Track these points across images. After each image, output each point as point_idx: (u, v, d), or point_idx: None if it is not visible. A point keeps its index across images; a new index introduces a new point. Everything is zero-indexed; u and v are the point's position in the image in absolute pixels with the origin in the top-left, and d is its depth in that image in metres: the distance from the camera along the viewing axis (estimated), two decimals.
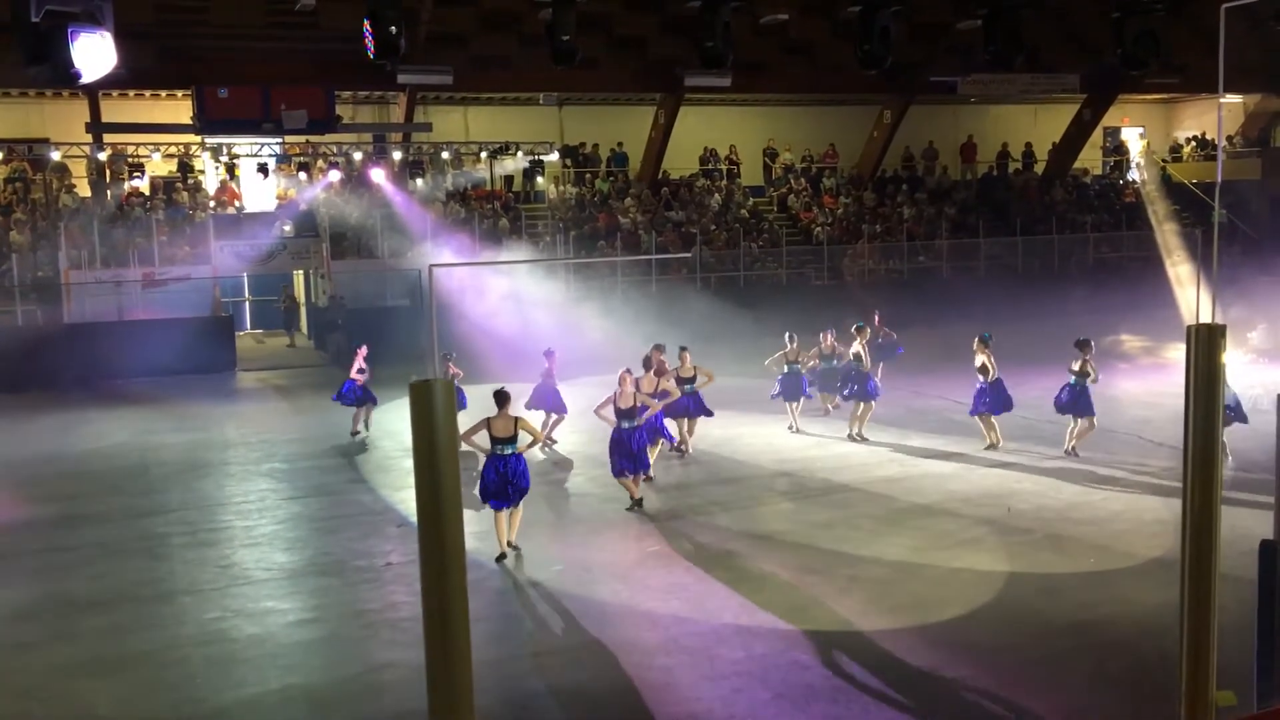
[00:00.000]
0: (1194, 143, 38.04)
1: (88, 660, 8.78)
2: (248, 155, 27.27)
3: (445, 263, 22.64)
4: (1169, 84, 33.88)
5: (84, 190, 27.43)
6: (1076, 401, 14.70)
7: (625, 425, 12.31)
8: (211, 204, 27.65)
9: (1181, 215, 33.45)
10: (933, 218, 32.52)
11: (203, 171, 28.67)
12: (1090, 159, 37.67)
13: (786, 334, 16.72)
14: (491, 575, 10.48)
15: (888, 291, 26.68)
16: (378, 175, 27.62)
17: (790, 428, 16.50)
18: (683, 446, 15.18)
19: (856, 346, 16.16)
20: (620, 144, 32.58)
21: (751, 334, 20.73)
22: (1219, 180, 25.29)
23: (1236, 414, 13.48)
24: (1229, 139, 36.61)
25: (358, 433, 16.82)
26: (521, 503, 11.11)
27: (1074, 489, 13.07)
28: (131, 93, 27.25)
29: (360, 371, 16.79)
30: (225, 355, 24.20)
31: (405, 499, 13.26)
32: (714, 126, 33.46)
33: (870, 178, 34.11)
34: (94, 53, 11.75)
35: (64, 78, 12.32)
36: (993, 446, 15.01)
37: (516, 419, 11.03)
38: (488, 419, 10.94)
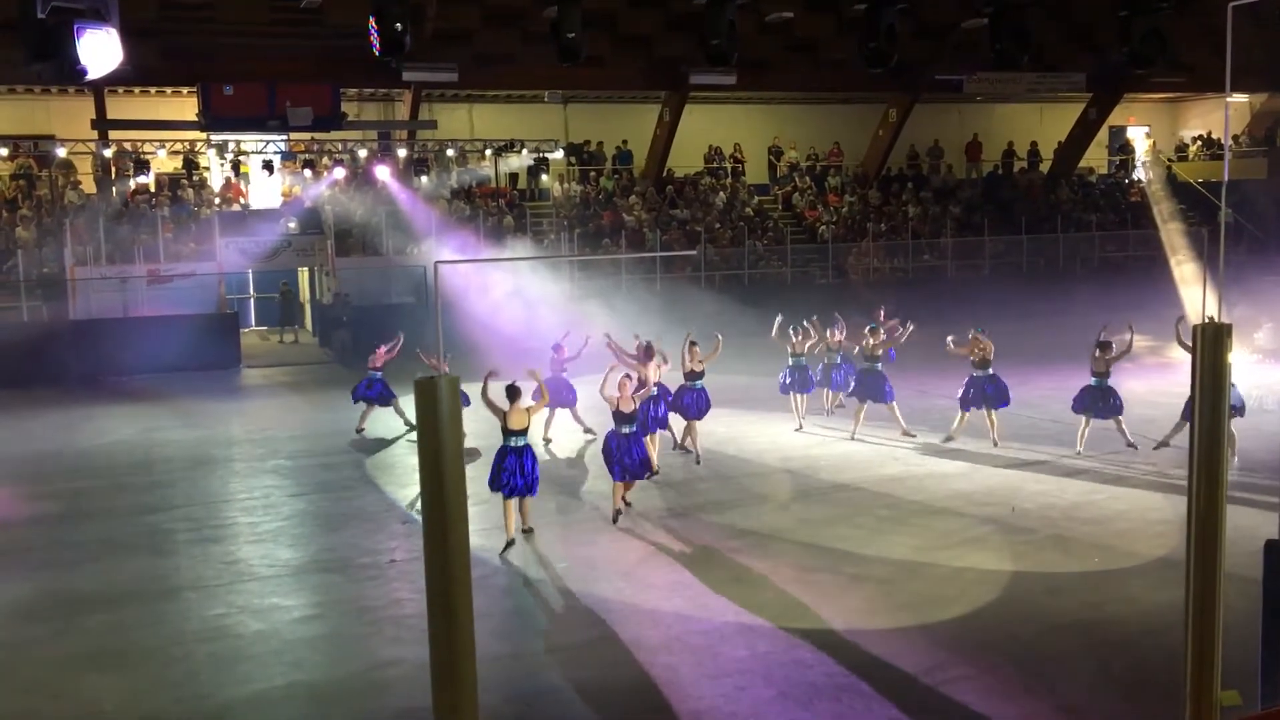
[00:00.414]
0: (1200, 142, 37.95)
1: (92, 656, 8.79)
2: (253, 152, 27.29)
3: (452, 259, 22.67)
4: (1175, 83, 33.84)
5: (89, 187, 27.48)
6: (1095, 402, 14.59)
7: (625, 430, 11.98)
8: (217, 201, 27.69)
9: (1187, 215, 33.39)
10: (938, 216, 32.49)
11: (208, 168, 28.71)
12: (1096, 158, 37.60)
13: (793, 326, 16.64)
14: (495, 572, 10.49)
15: (892, 290, 26.64)
16: (383, 172, 27.64)
17: (797, 428, 16.45)
18: (690, 447, 14.89)
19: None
20: (625, 142, 32.58)
21: (755, 332, 20.69)
22: (1225, 179, 25.20)
23: (1239, 410, 13.49)
24: (1235, 138, 36.53)
25: (362, 430, 16.77)
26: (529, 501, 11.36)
27: (1078, 488, 13.05)
28: (137, 89, 27.30)
29: (381, 362, 16.62)
30: (230, 352, 24.21)
31: (410, 496, 13.29)
32: (719, 124, 33.44)
33: (875, 176, 34.08)
34: (100, 49, 11.78)
35: (70, 74, 12.35)
36: (950, 439, 15.06)
37: (528, 409, 11.34)
38: (504, 411, 11.21)
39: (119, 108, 26.80)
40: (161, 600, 10.00)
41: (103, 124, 25.85)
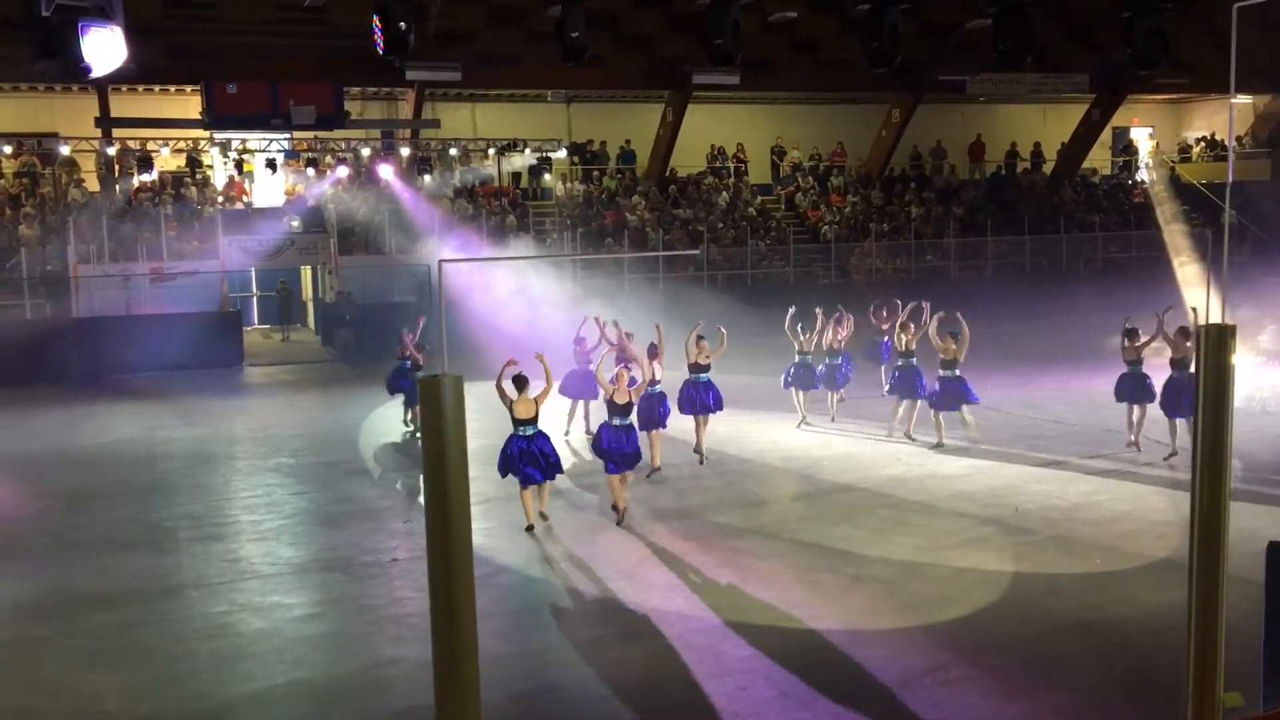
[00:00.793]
0: (1203, 143, 37.92)
1: (94, 654, 8.80)
2: (256, 150, 27.31)
3: (457, 258, 22.66)
4: (1179, 84, 33.80)
5: (93, 185, 27.50)
6: (1135, 389, 14.49)
7: (617, 422, 11.96)
8: (220, 199, 27.71)
9: (1190, 216, 33.35)
10: (940, 217, 32.47)
11: (211, 167, 28.74)
12: (1099, 159, 37.57)
13: (800, 323, 16.62)
14: (498, 571, 10.50)
15: (895, 290, 26.62)
16: (386, 171, 27.65)
17: (799, 423, 16.47)
18: (696, 450, 14.77)
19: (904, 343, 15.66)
20: (628, 141, 32.57)
21: (758, 332, 20.69)
22: (1229, 181, 25.21)
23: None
24: (1239, 139, 36.50)
25: (410, 427, 16.53)
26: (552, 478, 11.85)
27: (1080, 489, 13.04)
28: (140, 88, 27.29)
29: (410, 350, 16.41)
30: (233, 350, 24.23)
31: (412, 494, 13.29)
32: (722, 124, 33.43)
33: (878, 176, 34.06)
34: (104, 47, 11.80)
35: (74, 72, 12.38)
36: (940, 445, 14.95)
37: (535, 400, 11.55)
38: (511, 401, 11.47)
39: (122, 106, 26.81)
40: (163, 598, 10.01)
41: (106, 122, 25.87)
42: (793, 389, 16.82)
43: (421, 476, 3.88)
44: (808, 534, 11.53)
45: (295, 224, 26.67)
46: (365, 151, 27.95)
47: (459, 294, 23.26)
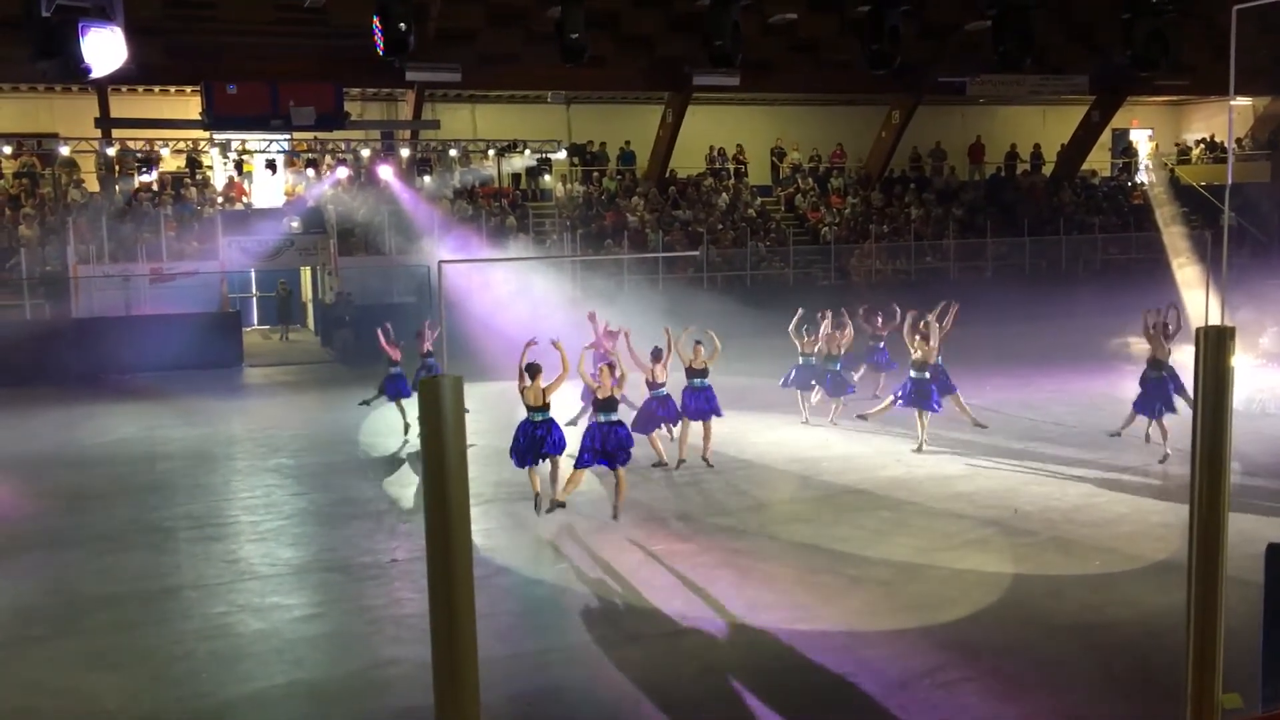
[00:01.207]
0: (1203, 145, 37.94)
1: (93, 654, 8.80)
2: (256, 151, 27.31)
3: (457, 258, 22.69)
4: (1178, 86, 33.81)
5: (92, 185, 27.51)
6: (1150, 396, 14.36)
7: (602, 418, 11.96)
8: (219, 200, 27.72)
9: (1190, 218, 33.37)
10: (940, 218, 32.49)
11: (211, 167, 28.74)
12: (1099, 161, 37.59)
13: (806, 325, 16.65)
14: (497, 572, 10.49)
15: (895, 292, 26.64)
16: (385, 172, 27.66)
17: (803, 421, 16.55)
18: (705, 457, 14.51)
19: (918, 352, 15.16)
20: (628, 143, 32.59)
21: (758, 333, 20.71)
22: (1229, 183, 25.24)
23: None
24: (1238, 141, 36.52)
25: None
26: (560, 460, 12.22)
27: (1080, 491, 13.04)
28: (140, 88, 27.31)
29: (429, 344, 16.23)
30: (232, 351, 24.25)
31: (411, 495, 13.29)
32: (722, 126, 33.45)
33: (878, 178, 34.08)
34: (104, 48, 11.79)
35: (74, 72, 12.37)
36: (920, 448, 14.92)
37: (545, 389, 11.85)
38: (524, 388, 11.85)
39: (122, 106, 26.82)
40: (162, 599, 10.01)
41: (106, 122, 25.88)
42: (795, 388, 16.97)
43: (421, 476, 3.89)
44: (807, 535, 11.53)
45: (295, 225, 26.68)
46: (365, 152, 27.96)
47: (458, 295, 23.27)
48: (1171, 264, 27.95)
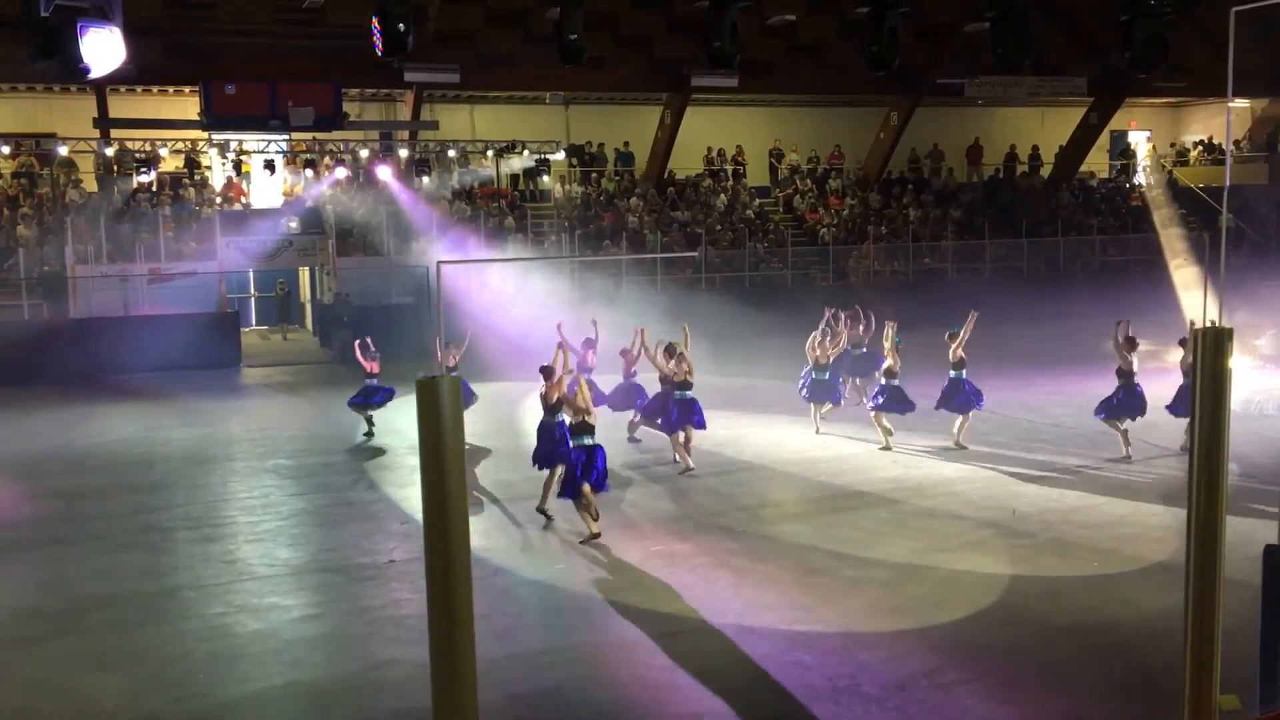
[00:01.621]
0: (1201, 147, 37.96)
1: (92, 655, 8.80)
2: (255, 151, 27.30)
3: (455, 259, 22.67)
4: (1176, 88, 33.83)
5: (91, 185, 27.49)
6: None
7: (587, 441, 11.41)
8: (218, 200, 27.70)
9: (1188, 219, 33.40)
10: (938, 220, 32.50)
11: (209, 167, 28.73)
12: (1097, 162, 37.61)
13: (812, 334, 16.52)
14: (495, 573, 10.49)
15: (893, 293, 26.67)
16: (384, 173, 27.65)
17: (816, 432, 16.32)
18: (679, 458, 14.41)
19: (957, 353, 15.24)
20: (626, 143, 32.59)
21: (757, 334, 20.73)
22: (1226, 184, 25.25)
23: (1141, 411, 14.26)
24: (1236, 143, 36.54)
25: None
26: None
27: (1078, 492, 13.05)
28: (139, 88, 27.31)
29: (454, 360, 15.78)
30: (230, 351, 24.24)
31: (410, 496, 13.27)
32: (720, 127, 33.45)
33: (876, 179, 34.09)
34: (103, 48, 11.79)
35: (73, 73, 12.36)
36: (887, 448, 15.01)
37: (554, 385, 12.05)
38: (542, 392, 12.17)
39: (121, 106, 26.81)
40: (161, 599, 10.00)
41: (104, 123, 25.86)
42: (810, 401, 16.53)
43: (419, 477, 3.88)
44: (805, 537, 11.53)
45: (293, 225, 26.64)
46: (364, 153, 27.96)
47: (457, 295, 23.26)
48: (1169, 265, 27.99)
